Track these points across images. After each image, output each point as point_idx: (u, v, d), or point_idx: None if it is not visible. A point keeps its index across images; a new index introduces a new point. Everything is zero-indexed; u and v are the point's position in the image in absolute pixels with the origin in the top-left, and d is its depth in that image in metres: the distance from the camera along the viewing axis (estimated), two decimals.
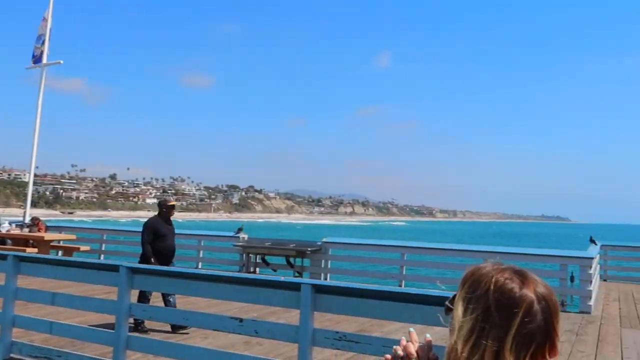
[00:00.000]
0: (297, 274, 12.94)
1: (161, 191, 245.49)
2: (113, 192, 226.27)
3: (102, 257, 14.74)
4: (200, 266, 13.95)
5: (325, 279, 12.69)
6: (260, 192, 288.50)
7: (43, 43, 17.62)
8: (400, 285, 12.07)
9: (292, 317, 6.79)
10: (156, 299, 7.59)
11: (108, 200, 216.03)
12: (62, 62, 18.02)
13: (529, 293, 1.05)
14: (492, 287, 1.06)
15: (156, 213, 8.33)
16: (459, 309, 1.07)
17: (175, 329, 6.98)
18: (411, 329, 1.25)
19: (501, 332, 1.02)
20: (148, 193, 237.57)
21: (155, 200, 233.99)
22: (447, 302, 1.14)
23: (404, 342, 1.22)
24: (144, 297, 7.30)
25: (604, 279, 15.02)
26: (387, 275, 13.73)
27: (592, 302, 10.35)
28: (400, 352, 1.20)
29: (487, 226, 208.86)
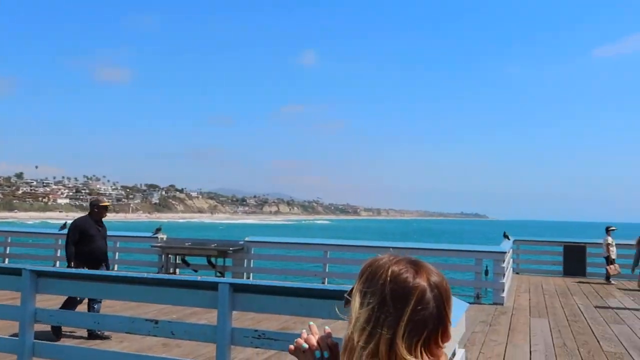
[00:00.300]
0: (219, 274, 12.80)
1: (74, 191, 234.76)
2: (20, 192, 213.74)
3: (6, 260, 13.93)
4: (116, 268, 13.49)
5: (248, 278, 12.63)
6: (181, 191, 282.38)
7: None
8: (323, 283, 12.21)
9: (213, 317, 6.71)
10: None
11: (15, 201, 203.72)
12: None
13: (422, 282, 1.10)
14: (388, 278, 1.10)
15: (87, 213, 7.94)
16: (356, 301, 1.11)
17: (93, 336, 6.78)
18: (311, 323, 1.31)
19: (395, 321, 1.06)
20: (59, 193, 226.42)
21: (67, 201, 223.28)
22: (345, 295, 1.18)
23: (305, 335, 1.27)
24: (72, 304, 7.01)
25: (516, 272, 15.90)
26: (311, 273, 13.85)
27: (504, 294, 10.95)
28: (306, 345, 1.24)
29: (409, 224, 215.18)
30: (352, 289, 1.16)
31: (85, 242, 7.46)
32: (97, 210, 7.75)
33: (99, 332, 6.82)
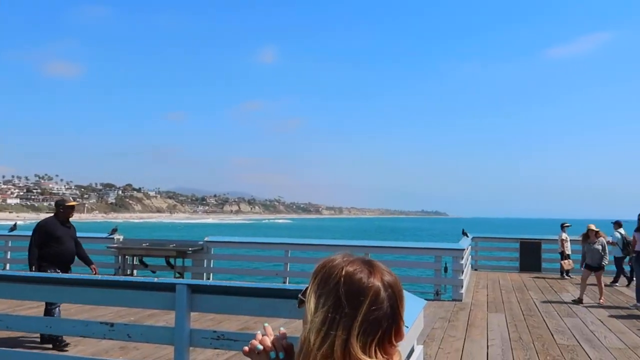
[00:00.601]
0: (178, 275, 12.64)
1: (25, 190, 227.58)
2: None
3: None
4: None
5: (208, 279, 12.51)
6: (139, 190, 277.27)
7: None
8: (285, 282, 12.21)
9: (172, 319, 6.64)
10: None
11: None
12: None
13: (376, 282, 1.12)
14: (342, 278, 1.11)
15: (52, 214, 7.63)
16: (311, 302, 1.12)
17: (52, 341, 6.53)
18: (266, 324, 1.30)
19: (350, 321, 1.08)
20: (9, 193, 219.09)
21: (18, 201, 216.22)
22: (300, 295, 1.19)
23: (259, 336, 1.27)
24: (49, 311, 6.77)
25: (474, 268, 16.25)
26: (272, 272, 13.83)
27: (463, 291, 11.18)
28: (260, 347, 1.24)
29: (369, 222, 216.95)
30: (306, 289, 1.17)
31: (52, 244, 7.17)
32: (62, 211, 7.44)
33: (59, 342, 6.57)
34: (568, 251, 14.97)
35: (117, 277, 5.96)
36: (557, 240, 15.32)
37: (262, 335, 1.27)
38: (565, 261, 14.77)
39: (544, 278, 14.71)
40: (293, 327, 8.11)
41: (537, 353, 6.77)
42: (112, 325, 4.73)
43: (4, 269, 13.11)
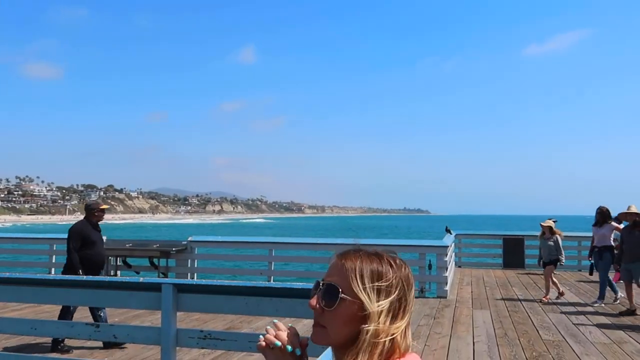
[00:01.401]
0: (162, 275, 12.52)
1: (6, 192, 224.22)
2: None
3: None
4: (53, 272, 12.97)
5: (192, 278, 12.40)
6: (121, 191, 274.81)
7: None
8: (269, 281, 12.15)
9: (157, 319, 6.57)
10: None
11: None
12: None
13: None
14: (393, 265, 1.21)
15: (82, 217, 7.43)
16: (370, 295, 1.16)
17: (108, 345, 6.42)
18: (275, 320, 1.29)
19: (406, 307, 1.20)
20: None
21: (1, 203, 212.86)
22: (344, 294, 1.17)
23: (273, 332, 1.25)
24: (66, 312, 6.65)
25: (458, 265, 16.34)
26: (256, 271, 13.76)
27: (447, 287, 11.22)
28: (278, 343, 1.23)
29: (351, 220, 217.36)
30: (330, 285, 1.18)
31: (87, 248, 7.00)
32: (97, 214, 7.27)
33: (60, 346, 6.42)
34: None
35: (101, 278, 5.86)
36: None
37: (275, 331, 1.26)
38: None
39: (527, 274, 14.83)
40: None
41: (522, 349, 6.81)
42: (97, 326, 4.67)
43: None
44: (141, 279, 4.83)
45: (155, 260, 12.79)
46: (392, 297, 1.17)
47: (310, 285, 4.22)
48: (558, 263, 10.86)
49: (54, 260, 13.41)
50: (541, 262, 11.20)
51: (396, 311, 1.18)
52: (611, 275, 10.78)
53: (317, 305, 1.19)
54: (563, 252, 10.93)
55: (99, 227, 7.36)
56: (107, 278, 5.56)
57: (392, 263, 1.21)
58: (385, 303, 1.16)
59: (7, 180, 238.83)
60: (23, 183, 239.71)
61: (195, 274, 12.79)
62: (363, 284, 1.17)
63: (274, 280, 12.20)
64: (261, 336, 1.26)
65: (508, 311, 9.43)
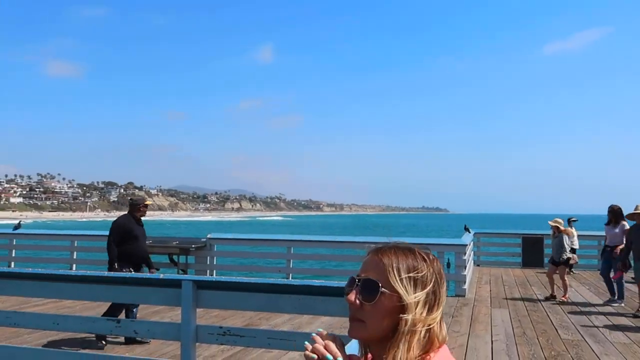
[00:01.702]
0: (181, 272, 12.63)
1: (28, 189, 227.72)
2: None
3: None
4: (74, 268, 13.17)
5: (211, 275, 12.50)
6: (141, 189, 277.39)
7: None
8: (287, 279, 12.20)
9: (176, 315, 6.65)
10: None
11: None
12: None
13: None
14: (427, 260, 1.27)
15: (125, 212, 7.53)
16: (407, 288, 1.23)
17: (130, 341, 6.50)
18: (314, 334, 1.30)
19: (439, 300, 1.26)
20: (12, 192, 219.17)
21: (21, 200, 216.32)
22: (382, 288, 1.22)
23: (321, 342, 1.27)
24: (117, 310, 6.69)
25: (477, 264, 16.23)
26: (275, 269, 13.83)
27: (466, 286, 11.17)
28: (314, 356, 1.25)
29: (368, 218, 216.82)
30: (369, 280, 1.24)
31: (129, 243, 7.05)
32: (142, 209, 7.33)
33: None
34: (575, 246, 14.93)
35: (122, 274, 5.95)
36: None
37: (314, 344, 1.28)
38: (572, 255, 14.75)
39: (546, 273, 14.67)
40: (297, 323, 8.07)
41: (541, 348, 6.76)
42: (118, 321, 4.74)
43: (9, 266, 13.11)
44: (161, 276, 4.90)
45: (174, 257, 12.91)
46: (428, 288, 1.24)
47: (330, 282, 4.22)
48: (570, 262, 10.83)
49: (75, 257, 13.61)
50: (551, 261, 11.19)
51: (431, 303, 1.24)
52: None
53: (356, 301, 1.24)
54: (566, 251, 10.84)
55: (141, 222, 7.38)
56: (128, 274, 5.64)
57: (426, 257, 1.28)
58: (421, 294, 1.23)
59: (29, 177, 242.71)
60: (44, 180, 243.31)
61: (215, 271, 12.88)
62: (400, 277, 1.23)
63: (292, 278, 12.25)
64: (307, 343, 1.28)
65: (527, 310, 9.36)
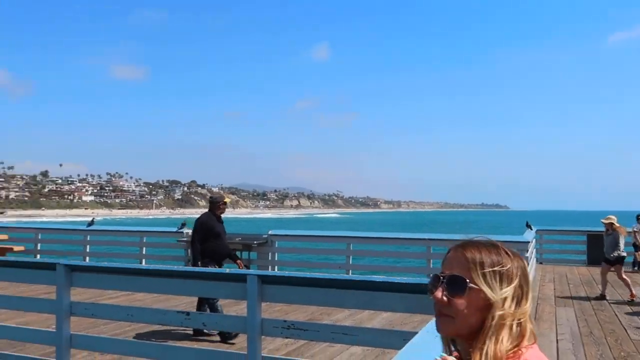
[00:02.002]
0: (244, 267, 12.88)
1: (98, 188, 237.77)
2: (46, 190, 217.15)
3: (38, 256, 14.22)
4: (144, 263, 13.68)
5: (273, 271, 12.71)
6: (203, 187, 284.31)
7: None
8: (347, 275, 12.24)
9: (241, 309, 6.81)
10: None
11: (41, 199, 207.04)
12: None
13: None
14: (510, 255, 1.28)
15: (207, 210, 7.67)
16: (493, 283, 1.23)
17: (225, 338, 6.57)
18: (443, 354, 1.33)
19: (527, 293, 1.27)
20: (84, 190, 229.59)
21: (92, 198, 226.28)
22: (470, 283, 1.24)
23: None
24: (212, 307, 6.88)
25: (539, 262, 15.75)
26: (334, 265, 13.90)
27: None
28: None
29: (426, 215, 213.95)
30: (454, 276, 1.25)
31: (212, 240, 7.21)
32: (221, 207, 7.52)
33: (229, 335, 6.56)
34: None
35: (190, 268, 6.16)
36: (630, 232, 14.63)
37: None
38: (639, 253, 14.14)
39: (613, 272, 14.06)
40: (358, 319, 8.05)
41: (610, 348, 6.51)
42: (188, 314, 4.90)
43: (83, 261, 13.77)
44: (227, 270, 5.04)
45: (237, 253, 13.18)
46: (514, 283, 1.25)
47: (392, 278, 4.21)
48: (624, 260, 10.50)
49: (144, 252, 14.14)
50: (604, 259, 10.82)
51: (519, 297, 1.24)
52: None
53: (443, 297, 1.25)
54: (620, 249, 10.43)
55: (221, 220, 7.55)
56: (196, 269, 5.82)
57: (509, 253, 1.29)
58: (508, 290, 1.23)
59: (99, 177, 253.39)
60: (113, 179, 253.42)
61: (276, 267, 13.08)
62: (484, 272, 1.24)
63: (352, 274, 12.27)
64: None
65: (593, 309, 9.03)
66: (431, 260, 11.70)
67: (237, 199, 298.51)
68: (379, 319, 7.70)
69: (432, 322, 1.52)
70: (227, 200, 7.71)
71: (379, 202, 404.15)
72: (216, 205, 7.49)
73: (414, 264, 13.32)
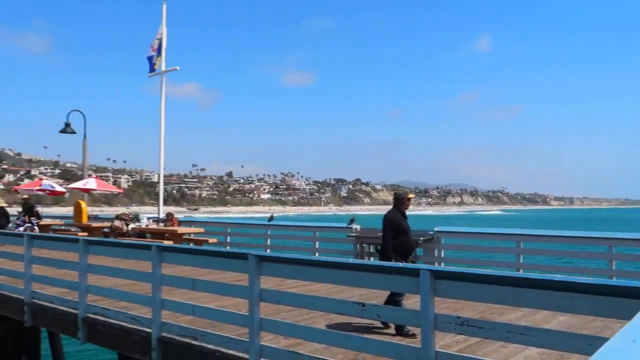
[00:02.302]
0: (410, 263, 12.86)
1: (274, 187, 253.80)
2: (231, 189, 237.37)
3: (227, 248, 15.61)
4: (317, 256, 14.32)
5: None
6: (367, 184, 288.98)
7: (160, 51, 18.85)
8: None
9: (410, 304, 6.79)
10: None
11: (227, 197, 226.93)
12: (178, 68, 19.10)
13: None
14: None
15: (392, 206, 7.65)
16: None
17: (400, 331, 6.52)
18: None
19: None
20: (262, 189, 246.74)
21: (269, 196, 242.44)
22: None
23: None
24: (394, 302, 6.93)
25: None
26: (503, 263, 13.26)
27: None
28: None
29: (600, 212, 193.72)
30: None
31: (400, 236, 7.28)
32: (406, 203, 7.57)
33: (405, 331, 6.49)
34: None
35: (364, 261, 6.32)
36: None
37: None
38: None
39: None
40: (532, 320, 7.50)
41: None
42: (363, 305, 5.04)
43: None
44: (400, 265, 5.08)
45: None
46: None
47: (575, 278, 3.90)
48: None
49: (317, 246, 14.80)
50: None
51: None
52: None
53: None
54: None
55: (406, 216, 7.55)
56: (371, 262, 5.95)
57: None
58: None
59: (274, 176, 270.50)
60: (287, 178, 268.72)
61: (442, 264, 12.86)
62: None
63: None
64: None
65: None
66: (614, 262, 10.60)
67: None
68: (556, 322, 7.17)
69: (629, 326, 1.40)
70: (411, 196, 7.63)
71: (548, 199, 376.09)
72: (401, 201, 7.47)
73: (591, 265, 12.19)
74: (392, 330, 6.68)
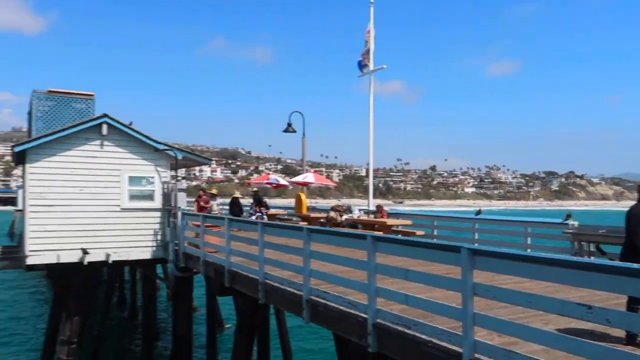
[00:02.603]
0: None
1: (478, 180, 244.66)
2: (434, 182, 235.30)
3: (434, 240, 15.48)
4: (528, 252, 13.41)
5: None
6: (582, 177, 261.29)
7: (368, 52, 19.39)
8: None
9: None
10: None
11: (430, 190, 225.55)
12: (385, 66, 19.47)
13: None
14: None
15: (636, 201, 7.05)
16: None
17: (632, 339, 6.02)
18: None
19: None
20: (466, 182, 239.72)
21: (473, 189, 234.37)
22: None
23: None
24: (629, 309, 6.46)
25: None
26: None
27: None
28: None
29: None
30: None
31: None
32: None
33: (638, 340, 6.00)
34: None
35: (587, 260, 5.68)
36: None
37: None
38: None
39: None
40: None
41: None
42: (590, 307, 4.51)
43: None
44: (636, 266, 4.44)
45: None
46: None
47: None
48: None
49: (528, 242, 13.83)
50: None
51: None
52: None
53: None
54: None
55: None
56: (595, 261, 5.29)
57: None
58: None
59: (479, 169, 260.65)
60: (491, 171, 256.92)
61: None
62: None
63: None
64: None
65: None
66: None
67: (622, 190, 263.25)
68: None
69: None
70: None
71: None
72: None
73: None
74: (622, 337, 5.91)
